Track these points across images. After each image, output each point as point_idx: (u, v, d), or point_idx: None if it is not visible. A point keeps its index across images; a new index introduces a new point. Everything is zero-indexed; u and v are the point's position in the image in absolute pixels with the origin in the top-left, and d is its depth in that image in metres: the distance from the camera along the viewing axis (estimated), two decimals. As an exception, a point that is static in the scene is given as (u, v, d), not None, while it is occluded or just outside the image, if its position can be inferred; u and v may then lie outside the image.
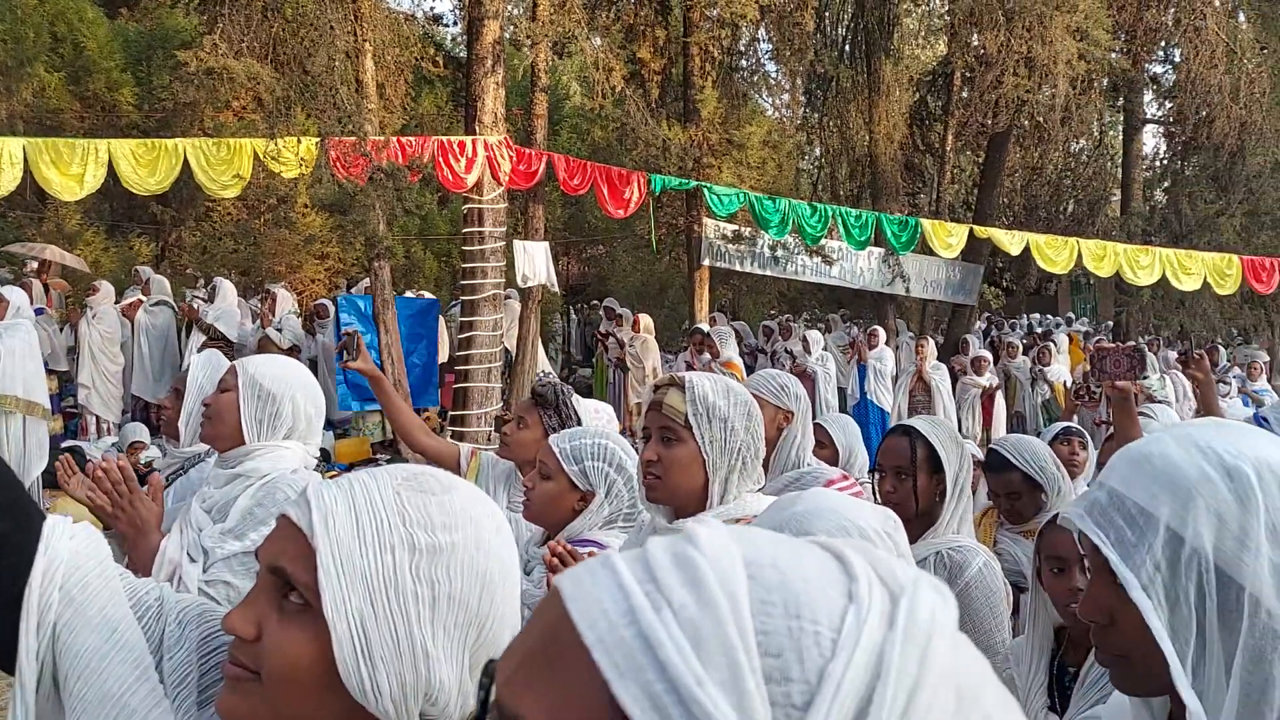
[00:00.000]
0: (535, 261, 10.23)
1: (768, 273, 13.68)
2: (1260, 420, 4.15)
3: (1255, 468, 1.01)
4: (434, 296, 13.27)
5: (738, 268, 13.18)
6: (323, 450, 8.56)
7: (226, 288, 11.13)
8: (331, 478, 1.23)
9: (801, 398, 3.49)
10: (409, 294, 13.31)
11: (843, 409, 12.93)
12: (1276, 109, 15.72)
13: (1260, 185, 15.01)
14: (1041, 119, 13.76)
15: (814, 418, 4.80)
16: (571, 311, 18.64)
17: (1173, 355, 12.72)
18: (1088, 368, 12.94)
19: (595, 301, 14.41)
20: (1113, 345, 3.26)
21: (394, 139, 9.24)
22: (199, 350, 9.63)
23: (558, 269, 11.88)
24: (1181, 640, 0.99)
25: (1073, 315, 20.35)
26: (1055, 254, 11.09)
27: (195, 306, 10.76)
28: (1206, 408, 4.42)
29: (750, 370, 13.66)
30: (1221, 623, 0.98)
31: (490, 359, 9.85)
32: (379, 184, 8.85)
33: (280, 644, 0.95)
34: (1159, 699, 1.10)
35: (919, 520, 2.80)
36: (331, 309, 11.29)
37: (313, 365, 9.69)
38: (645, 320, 10.85)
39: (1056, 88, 12.14)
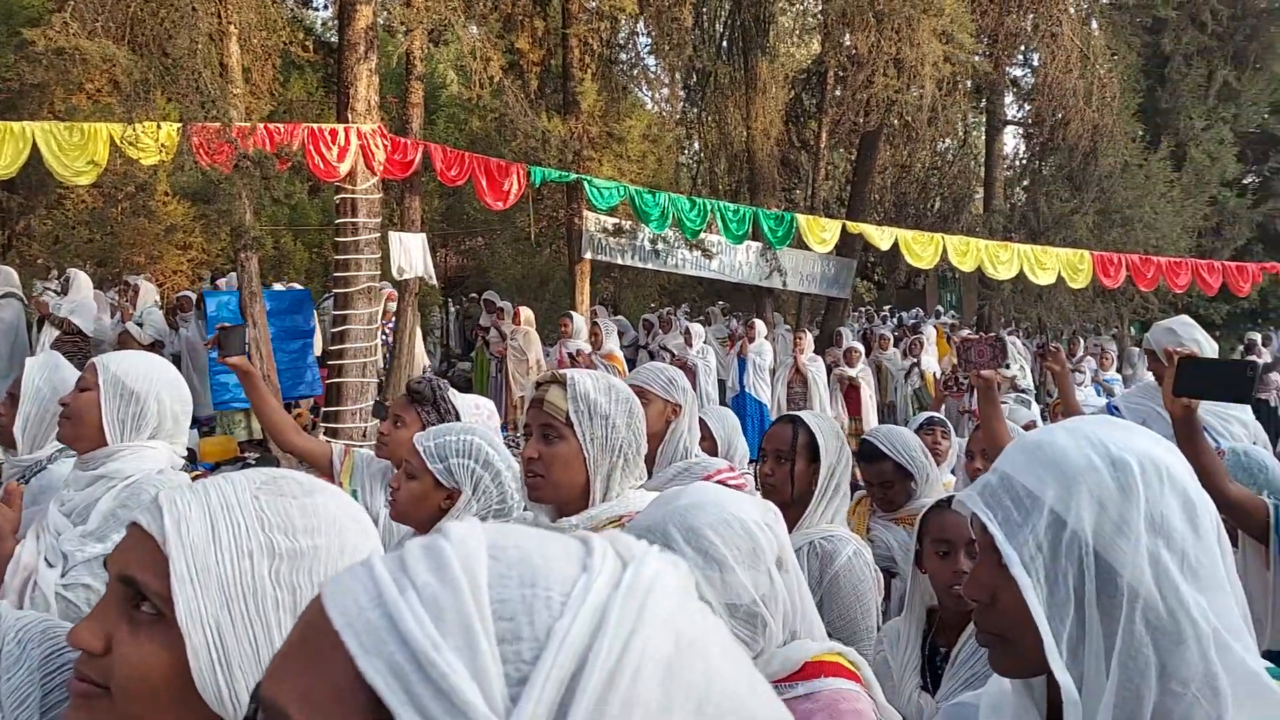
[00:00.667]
0: (412, 253, 10.01)
1: (649, 266, 13.75)
2: (1112, 409, 4.37)
3: (1139, 461, 1.06)
4: (304, 288, 12.86)
5: (619, 261, 13.21)
6: (189, 450, 8.18)
7: (81, 280, 10.53)
8: (197, 478, 1.17)
9: (688, 391, 3.54)
10: (278, 286, 12.87)
11: (722, 401, 13.12)
12: (1126, 113, 16.66)
13: (1111, 185, 15.86)
14: (910, 119, 14.22)
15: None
16: (450, 304, 18.34)
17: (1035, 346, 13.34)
18: (955, 360, 13.45)
19: (475, 294, 14.21)
20: (976, 335, 3.39)
21: (261, 125, 8.89)
22: (52, 346, 9.11)
23: (436, 261, 11.65)
24: (1058, 619, 1.03)
25: (940, 309, 21.12)
26: (922, 249, 11.49)
27: (46, 300, 10.16)
28: (1064, 397, 4.65)
29: (632, 364, 13.72)
30: (1100, 608, 1.02)
31: (365, 354, 9.60)
32: (245, 172, 8.51)
33: (131, 656, 0.91)
34: (1039, 682, 1.13)
35: (795, 505, 2.88)
36: (196, 301, 10.83)
37: (176, 361, 9.27)
38: (526, 313, 10.75)
39: (924, 88, 12.56)
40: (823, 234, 11.48)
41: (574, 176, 10.39)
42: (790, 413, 2.98)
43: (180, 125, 8.22)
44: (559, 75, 12.12)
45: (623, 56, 13.91)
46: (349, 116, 9.34)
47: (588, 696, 0.50)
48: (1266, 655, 2.59)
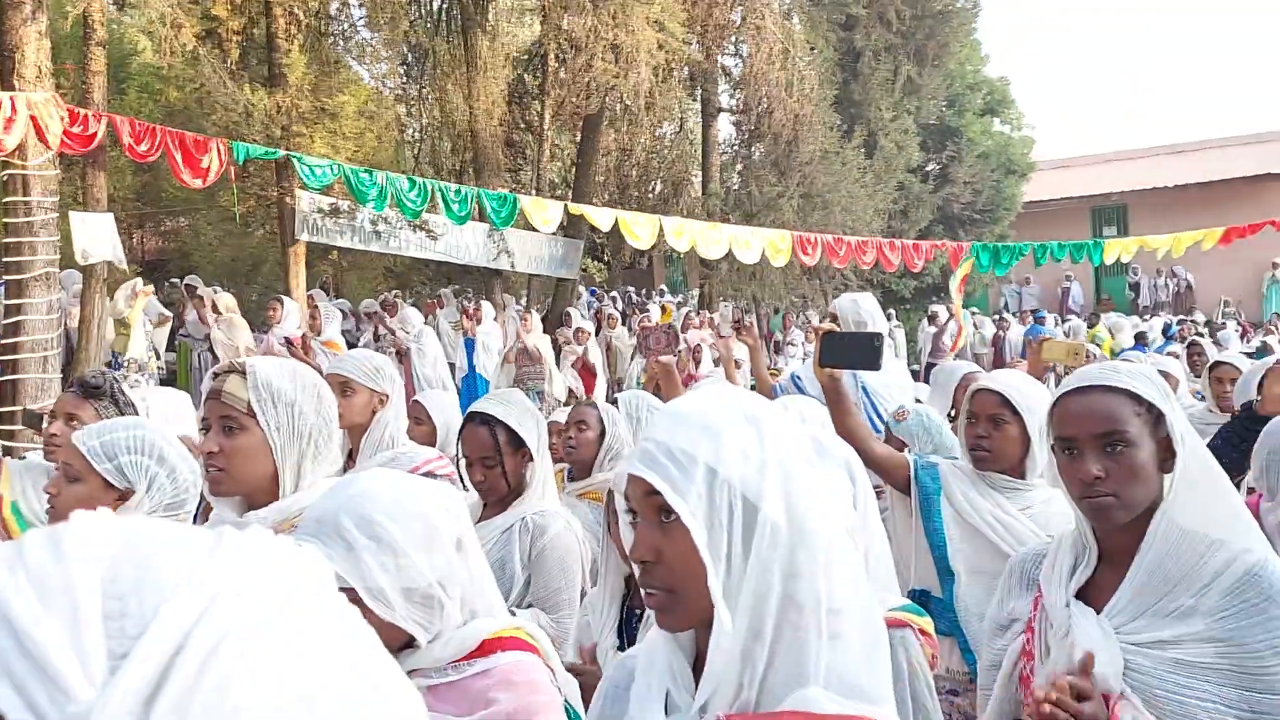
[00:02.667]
0: (97, 235, 9.10)
1: (370, 248, 13.30)
2: (795, 378, 4.70)
3: (765, 416, 1.24)
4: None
5: (337, 243, 12.67)
6: None
7: None
8: None
9: (396, 380, 3.47)
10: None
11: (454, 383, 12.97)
12: (824, 104, 17.91)
13: (811, 170, 17.02)
14: (629, 103, 14.59)
15: (414, 395, 4.73)
16: (152, 289, 16.87)
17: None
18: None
19: (177, 279, 13.16)
20: (653, 324, 3.62)
21: (-96, 91, 7.77)
22: None
23: (131, 243, 10.68)
24: (716, 559, 1.15)
25: (664, 288, 21.88)
26: (640, 230, 11.85)
27: None
28: (755, 368, 4.96)
29: (353, 348, 13.23)
30: (744, 540, 1.16)
31: (45, 346, 8.65)
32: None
33: None
34: (686, 636, 1.26)
35: (513, 490, 2.92)
36: None
37: None
38: (225, 299, 9.98)
39: (640, 74, 12.91)
40: (545, 215, 11.55)
41: (281, 153, 9.81)
42: (475, 410, 2.97)
43: None
44: (263, 46, 11.40)
45: (334, 28, 13.28)
46: (16, 84, 8.35)
47: (182, 674, 0.53)
48: (911, 595, 2.89)
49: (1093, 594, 1.77)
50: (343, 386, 3.34)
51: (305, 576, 0.61)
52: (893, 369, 5.02)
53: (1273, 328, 17.66)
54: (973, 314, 19.85)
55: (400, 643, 1.60)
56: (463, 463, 2.98)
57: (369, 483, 1.65)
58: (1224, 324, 17.21)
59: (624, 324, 14.86)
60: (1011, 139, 24.72)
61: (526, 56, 15.97)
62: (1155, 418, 1.71)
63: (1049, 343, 4.43)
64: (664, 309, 16.33)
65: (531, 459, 2.94)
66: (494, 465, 2.86)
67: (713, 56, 16.49)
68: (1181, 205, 23.93)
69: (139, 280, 11.05)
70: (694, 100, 18.65)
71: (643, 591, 1.23)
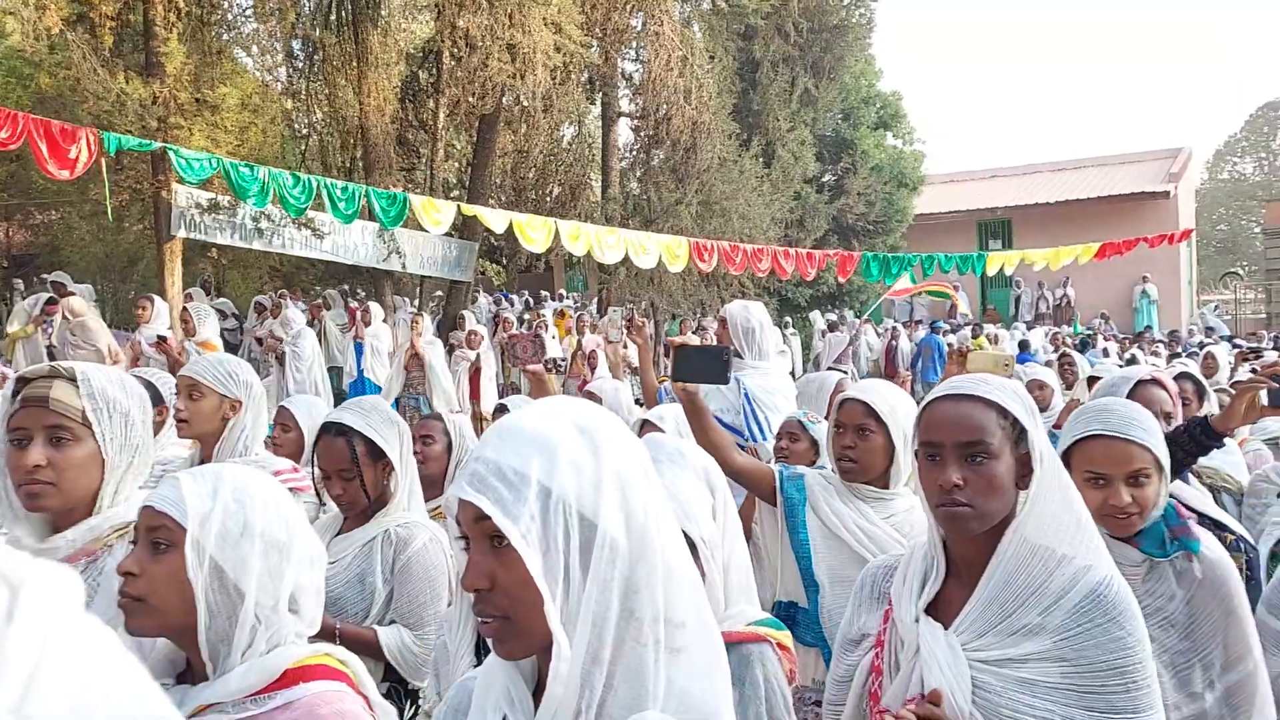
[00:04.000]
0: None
1: (252, 246, 12.84)
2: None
3: (599, 426, 1.19)
4: None
5: (217, 240, 12.18)
6: None
7: None
8: None
9: (253, 385, 3.32)
10: None
11: (340, 387, 12.61)
12: (722, 112, 18.06)
13: (710, 178, 17.14)
14: (527, 104, 14.44)
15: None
16: (20, 286, 16.01)
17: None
18: (571, 343, 13.87)
19: (45, 275, 12.49)
20: (519, 333, 3.58)
21: None
22: None
23: (-8, 236, 10.04)
24: (553, 580, 1.11)
25: (564, 292, 21.77)
26: (535, 232, 11.70)
27: None
28: (642, 369, 4.91)
29: (233, 350, 12.75)
30: (581, 560, 1.12)
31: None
32: None
33: None
34: (528, 663, 1.21)
35: (375, 503, 2.80)
36: None
37: None
38: (74, 302, 9.24)
39: (538, 75, 12.77)
40: (437, 215, 11.30)
41: (157, 145, 9.37)
42: (330, 421, 2.84)
43: None
44: (140, 33, 10.88)
45: (218, 17, 12.78)
46: None
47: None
48: (778, 606, 2.85)
49: (943, 608, 1.76)
50: (190, 389, 3.20)
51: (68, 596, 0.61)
52: (777, 376, 5.05)
53: (1145, 342, 18.47)
54: (864, 322, 20.29)
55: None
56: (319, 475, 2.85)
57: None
58: (1092, 334, 17.92)
59: (521, 327, 14.72)
60: (903, 153, 25.39)
61: (421, 53, 15.66)
62: (1018, 433, 1.72)
63: (975, 354, 4.50)
64: (561, 313, 16.20)
65: (394, 470, 2.82)
66: (352, 478, 2.75)
67: (612, 60, 16.46)
68: (1062, 221, 24.95)
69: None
70: (593, 104, 18.59)
71: (479, 619, 1.17)
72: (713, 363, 2.83)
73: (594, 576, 1.12)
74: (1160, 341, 18.05)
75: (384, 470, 2.82)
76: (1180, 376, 4.39)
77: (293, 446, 3.88)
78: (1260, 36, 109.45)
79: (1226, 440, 3.13)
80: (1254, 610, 2.94)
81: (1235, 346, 14.18)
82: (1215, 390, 5.40)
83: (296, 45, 15.13)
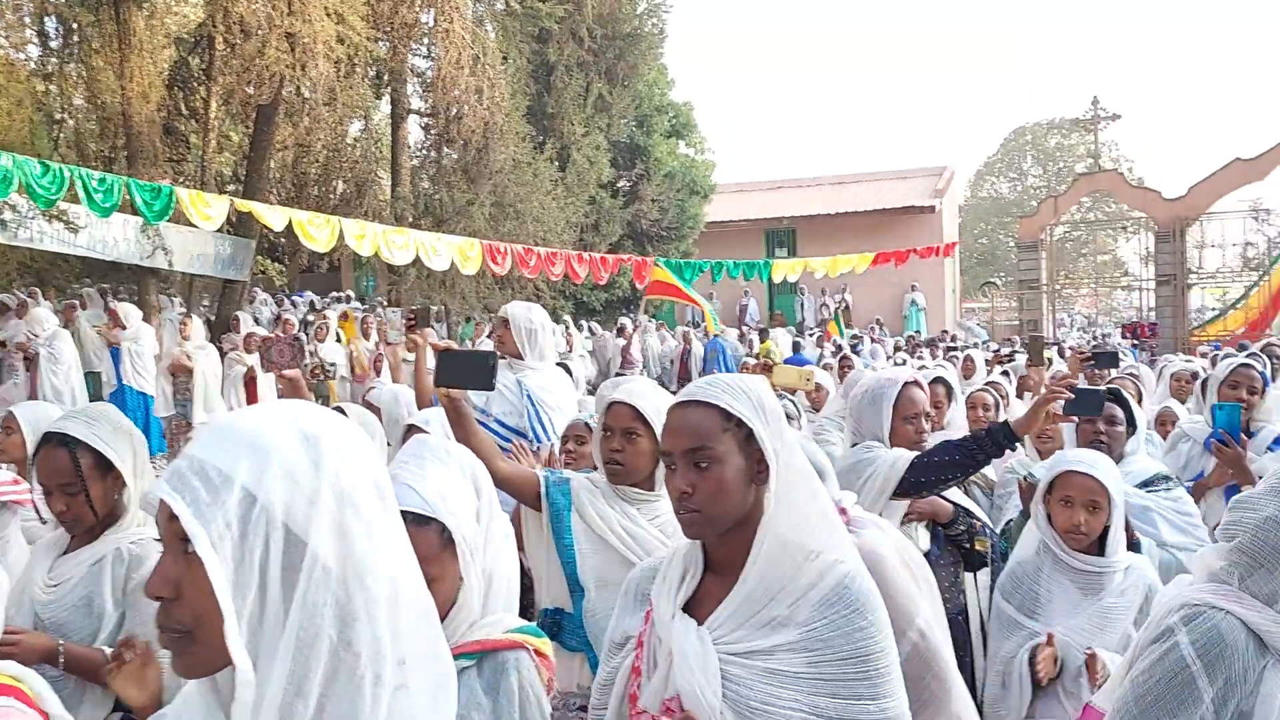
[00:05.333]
0: None
1: (-5, 239, 11.63)
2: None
3: (328, 436, 1.10)
4: None
5: (-51, 232, 10.95)
6: None
7: None
8: None
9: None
10: None
11: (98, 394, 11.58)
12: (516, 113, 17.94)
13: (503, 180, 16.98)
14: (308, 96, 13.80)
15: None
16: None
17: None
18: (354, 346, 13.38)
19: None
20: (275, 334, 3.41)
21: None
22: None
23: None
24: (240, 598, 1.02)
25: (351, 293, 21.00)
26: (318, 231, 11.15)
27: None
28: (418, 368, 4.73)
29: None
30: (284, 580, 1.03)
31: None
32: None
33: None
34: (225, 676, 1.10)
35: (104, 519, 2.59)
36: None
37: None
38: None
39: (319, 67, 12.22)
40: (208, 210, 10.57)
41: None
42: (53, 432, 2.58)
43: None
44: None
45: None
46: None
47: None
48: (544, 614, 2.79)
49: (704, 606, 1.77)
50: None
51: None
52: (556, 376, 5.05)
53: (910, 347, 19.68)
54: (659, 327, 20.67)
55: None
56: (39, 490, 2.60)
57: None
58: (861, 339, 18.97)
59: (302, 330, 14.03)
60: (695, 161, 26.11)
61: (192, 38, 14.66)
62: (747, 433, 1.72)
63: (779, 369, 4.63)
64: (346, 316, 15.57)
65: (125, 483, 2.58)
66: (76, 492, 2.52)
67: (400, 55, 16.00)
68: (842, 231, 26.37)
69: None
70: (381, 99, 18.03)
71: (159, 630, 1.08)
72: (478, 368, 2.78)
73: (300, 600, 1.03)
74: (926, 345, 19.30)
75: (114, 483, 2.58)
76: (934, 381, 4.69)
77: (17, 451, 3.63)
78: (1014, 64, 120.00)
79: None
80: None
81: (993, 351, 15.33)
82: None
83: (50, 23, 13.88)
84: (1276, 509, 1.68)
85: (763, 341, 18.80)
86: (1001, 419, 5.71)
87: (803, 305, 27.53)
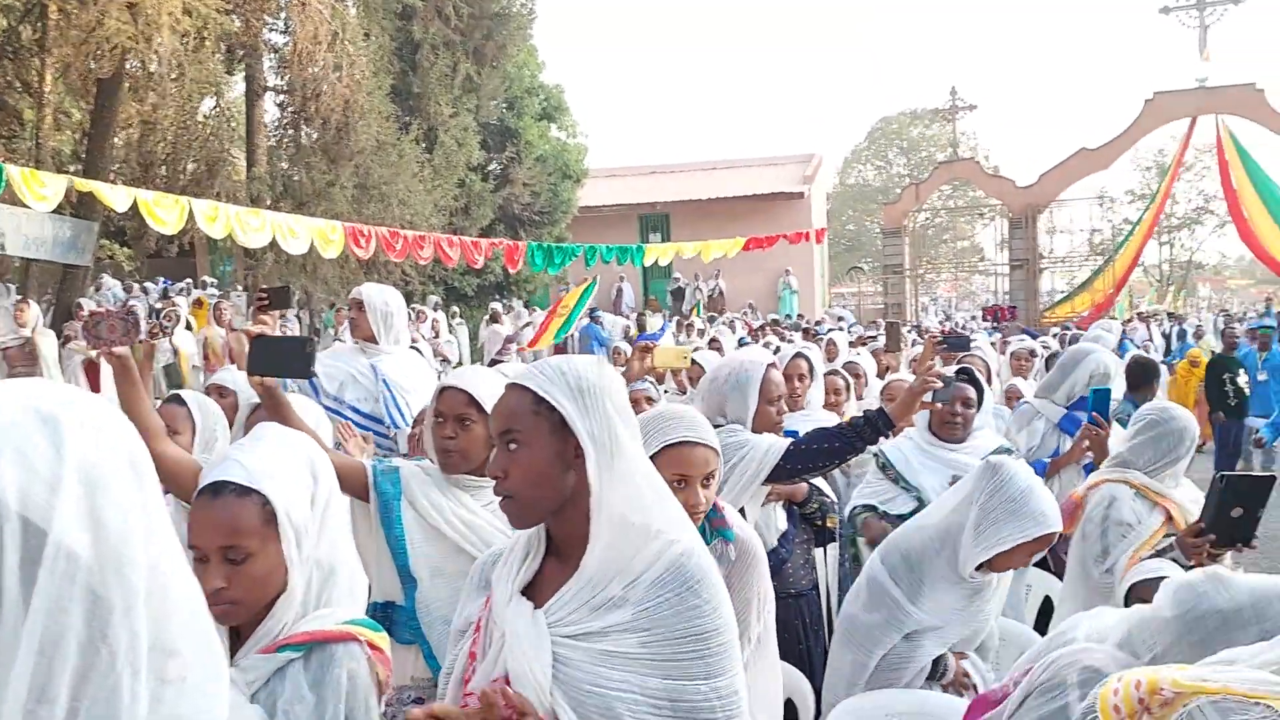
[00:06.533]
0: None
1: None
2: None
3: (70, 414, 0.99)
4: None
5: None
6: None
7: None
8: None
9: None
10: None
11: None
12: (379, 92, 17.40)
13: (366, 161, 16.45)
14: (153, 70, 13.05)
15: None
16: None
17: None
18: (207, 333, 12.76)
19: None
20: (105, 309, 3.21)
21: None
22: None
23: None
24: None
25: (207, 279, 20.05)
26: (166, 213, 10.55)
27: None
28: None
29: None
30: (23, 576, 0.93)
31: None
32: None
33: None
34: None
35: None
36: None
37: None
38: None
39: (164, 39, 11.55)
40: (42, 190, 9.88)
41: None
42: None
43: None
44: None
45: None
46: None
47: None
48: (374, 608, 2.68)
49: (546, 590, 1.73)
50: None
51: None
52: (410, 359, 4.98)
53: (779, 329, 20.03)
54: (531, 311, 20.47)
55: None
56: None
57: None
58: (731, 323, 19.23)
59: (152, 318, 13.30)
60: (567, 145, 25.91)
61: (22, 6, 13.65)
62: (560, 417, 1.68)
63: (660, 350, 4.72)
64: (200, 302, 14.84)
65: None
66: None
67: (254, 30, 15.27)
68: (715, 217, 26.63)
69: None
70: (234, 75, 17.21)
71: None
72: (294, 354, 2.70)
73: (42, 595, 0.93)
74: (792, 328, 19.68)
75: None
76: (796, 355, 4.81)
77: None
78: (877, 52, 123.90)
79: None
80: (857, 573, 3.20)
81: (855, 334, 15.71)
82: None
83: None
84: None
85: (639, 327, 18.88)
86: (860, 399, 5.91)
87: (679, 292, 27.76)
